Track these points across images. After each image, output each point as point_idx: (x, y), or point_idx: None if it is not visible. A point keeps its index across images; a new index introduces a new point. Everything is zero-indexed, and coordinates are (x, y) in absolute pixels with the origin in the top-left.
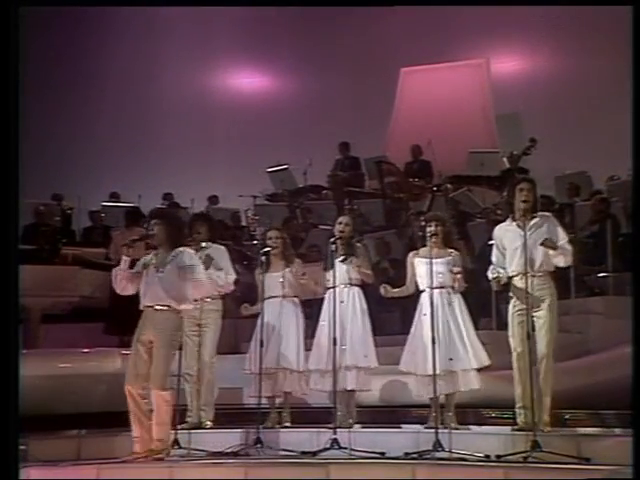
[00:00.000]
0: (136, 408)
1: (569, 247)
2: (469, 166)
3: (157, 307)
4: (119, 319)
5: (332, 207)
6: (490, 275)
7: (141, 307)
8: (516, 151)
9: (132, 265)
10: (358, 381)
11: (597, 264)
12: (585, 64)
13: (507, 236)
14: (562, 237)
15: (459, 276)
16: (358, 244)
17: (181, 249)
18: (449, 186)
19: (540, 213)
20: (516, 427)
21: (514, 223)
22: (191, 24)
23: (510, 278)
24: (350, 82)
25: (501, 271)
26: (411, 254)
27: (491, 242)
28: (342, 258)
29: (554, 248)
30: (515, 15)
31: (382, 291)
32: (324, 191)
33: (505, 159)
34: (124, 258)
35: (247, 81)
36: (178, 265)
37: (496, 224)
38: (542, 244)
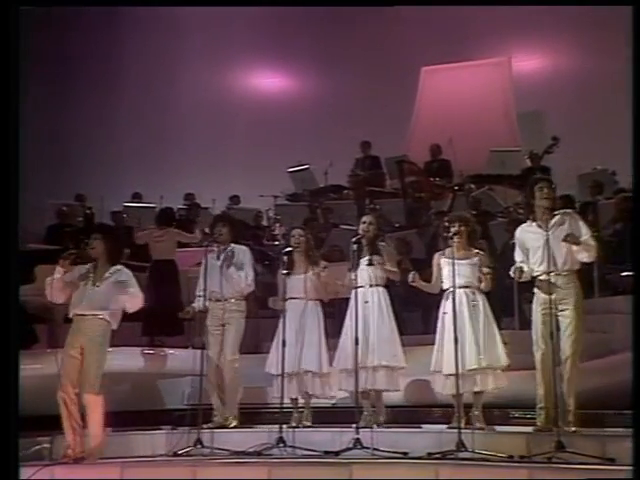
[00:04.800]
0: (68, 414)
1: (593, 242)
2: (490, 165)
3: (89, 316)
4: (157, 320)
5: (353, 207)
6: (513, 267)
7: (70, 315)
8: (537, 150)
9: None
10: (388, 381)
11: (620, 263)
12: (607, 61)
13: (529, 237)
14: (585, 232)
15: (489, 276)
16: (382, 243)
17: (119, 267)
18: (472, 186)
19: (561, 211)
20: (536, 427)
21: (534, 223)
22: (211, 25)
23: (534, 277)
24: (370, 82)
25: (524, 265)
26: (437, 255)
27: (513, 242)
28: (367, 260)
29: (577, 243)
30: (536, 13)
31: (410, 277)
32: (345, 191)
33: (527, 158)
34: (58, 268)
35: (268, 81)
36: (115, 282)
37: (518, 223)
38: (564, 240)
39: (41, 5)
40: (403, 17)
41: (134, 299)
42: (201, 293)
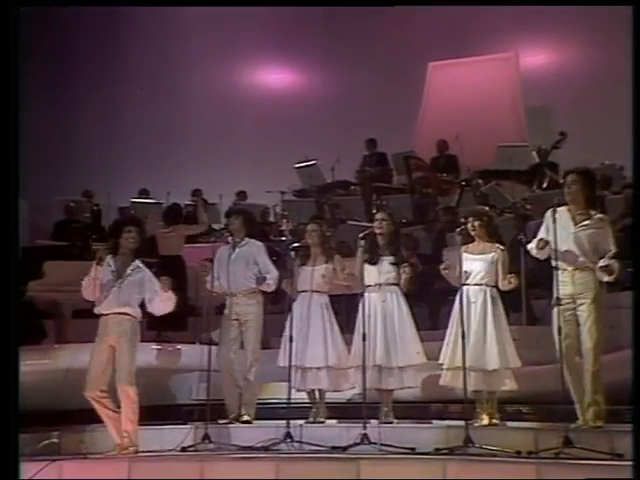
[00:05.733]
0: (104, 408)
1: (617, 265)
2: (498, 160)
3: (114, 314)
4: (164, 315)
5: (360, 203)
6: (536, 239)
7: (97, 312)
8: (545, 145)
9: None
10: (414, 379)
11: (629, 258)
12: (615, 56)
13: (557, 221)
14: (610, 249)
15: (513, 280)
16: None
17: (139, 265)
18: (479, 181)
19: (598, 216)
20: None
21: (569, 213)
22: (219, 21)
23: (554, 269)
24: (377, 77)
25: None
26: (461, 249)
27: (520, 237)
28: (393, 259)
29: (611, 274)
30: (544, 8)
31: (442, 265)
32: (352, 187)
33: (534, 153)
34: (97, 267)
35: (274, 77)
36: (138, 284)
37: (525, 219)
38: (601, 268)
39: (41, 5)
40: (410, 13)
41: (168, 302)
42: (216, 276)
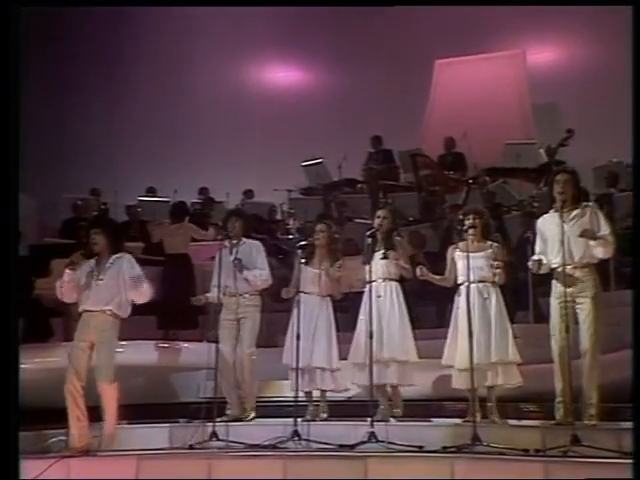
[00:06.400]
0: (75, 406)
1: (611, 238)
2: (505, 158)
3: (97, 312)
4: (171, 313)
5: (367, 201)
6: (531, 260)
7: (80, 310)
8: (553, 143)
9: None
10: (399, 375)
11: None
12: (622, 53)
13: (548, 227)
14: (604, 228)
15: (499, 270)
16: (398, 237)
17: (119, 255)
18: (487, 179)
19: (583, 204)
20: (555, 422)
21: (556, 214)
22: (226, 21)
23: (552, 270)
24: (384, 75)
25: (543, 257)
26: (451, 248)
27: (527, 235)
28: (382, 254)
29: (594, 238)
30: (551, 6)
31: (418, 271)
32: (359, 185)
33: (542, 151)
34: (67, 272)
35: (281, 76)
36: (118, 271)
37: (532, 216)
38: (581, 235)
39: (41, 5)
40: (416, 12)
41: (141, 292)
42: (215, 283)
